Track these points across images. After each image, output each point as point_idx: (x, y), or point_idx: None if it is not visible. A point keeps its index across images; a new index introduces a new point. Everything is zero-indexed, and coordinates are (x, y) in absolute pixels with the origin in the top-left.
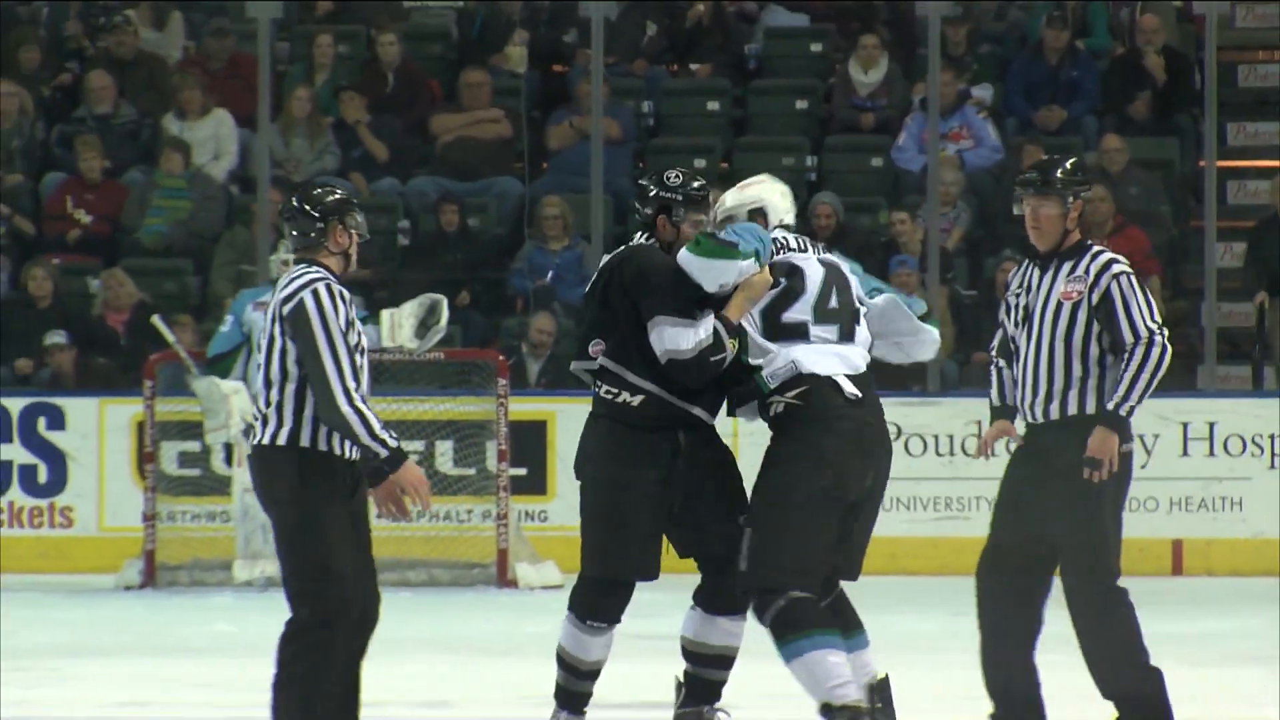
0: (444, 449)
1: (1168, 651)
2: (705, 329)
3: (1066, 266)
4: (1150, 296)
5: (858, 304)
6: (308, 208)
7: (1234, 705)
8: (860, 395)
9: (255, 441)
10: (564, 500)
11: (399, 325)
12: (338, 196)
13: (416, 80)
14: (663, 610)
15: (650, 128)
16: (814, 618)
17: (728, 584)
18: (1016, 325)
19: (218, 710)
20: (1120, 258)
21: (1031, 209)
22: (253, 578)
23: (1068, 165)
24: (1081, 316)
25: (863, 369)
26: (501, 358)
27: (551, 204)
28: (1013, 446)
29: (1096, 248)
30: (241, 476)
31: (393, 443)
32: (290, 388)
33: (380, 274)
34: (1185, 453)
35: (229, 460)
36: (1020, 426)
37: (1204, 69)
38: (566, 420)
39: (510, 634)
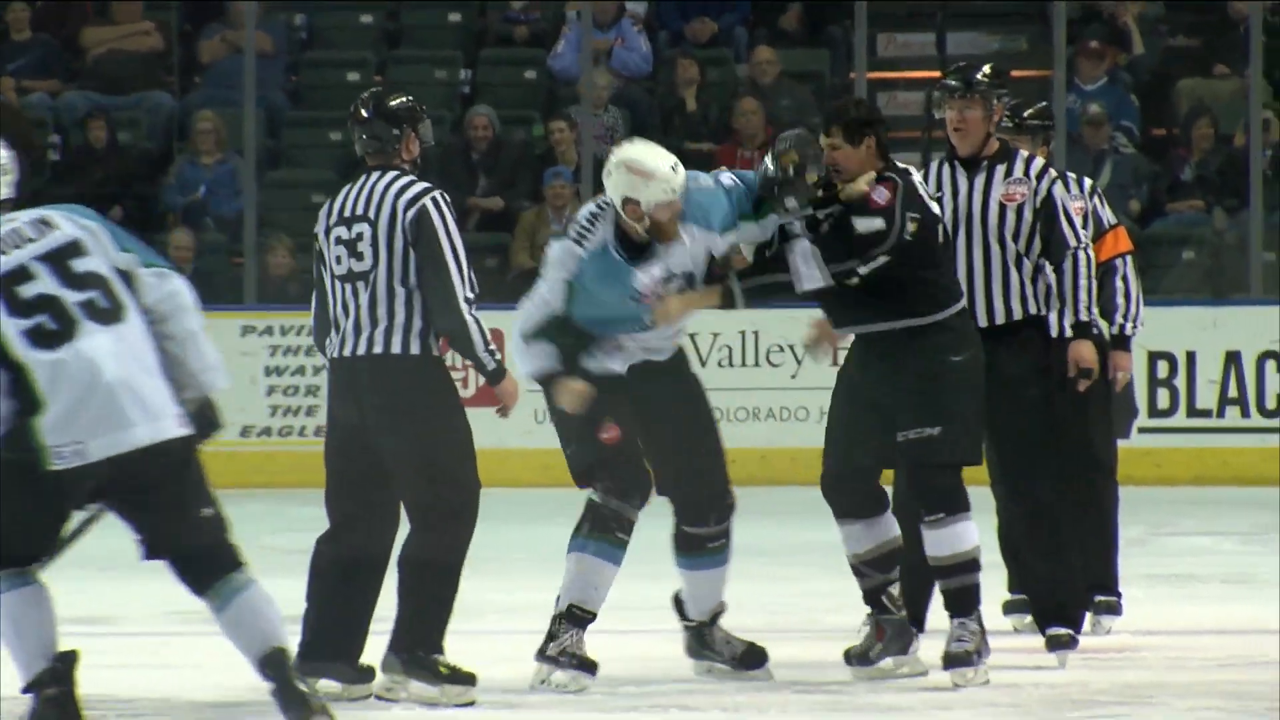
0: None
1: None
2: None
3: (1000, 170)
4: None
5: None
6: (384, 115)
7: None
8: None
9: (370, 350)
10: None
11: None
12: (411, 104)
13: None
14: None
15: (303, 41)
16: None
17: None
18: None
19: None
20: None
21: (957, 112)
22: None
23: (987, 69)
24: (1028, 217)
25: None
26: None
27: (204, 118)
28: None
29: (1024, 151)
30: None
31: (499, 355)
32: (414, 296)
33: (30, 189)
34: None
35: None
36: None
37: None
38: (218, 336)
39: None
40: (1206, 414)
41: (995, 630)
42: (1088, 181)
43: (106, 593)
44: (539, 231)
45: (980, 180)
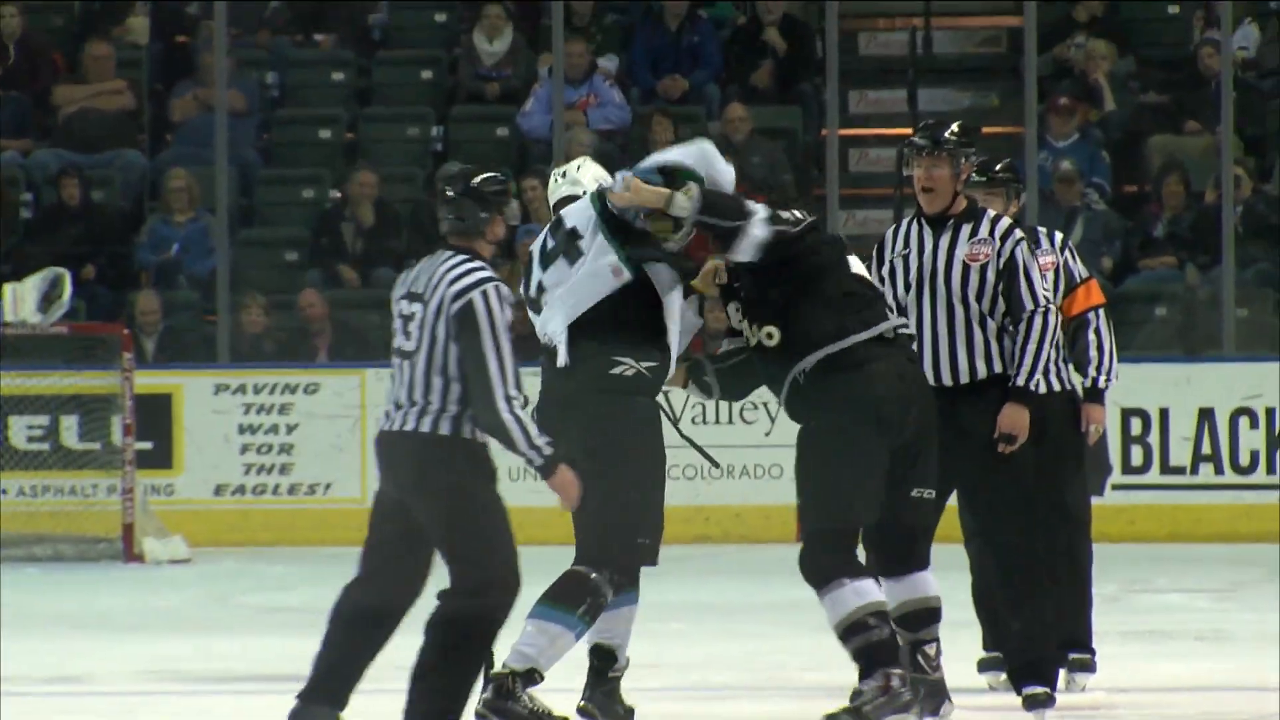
0: (69, 423)
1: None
2: None
3: (966, 229)
4: None
5: None
6: (473, 196)
7: None
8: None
9: (403, 427)
10: (191, 474)
11: (21, 299)
12: (502, 186)
13: (39, 52)
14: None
15: (275, 99)
16: None
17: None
18: (907, 287)
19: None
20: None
21: (924, 170)
22: None
23: (955, 127)
24: (991, 278)
25: None
26: (126, 332)
27: (176, 176)
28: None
29: (991, 211)
30: None
31: (547, 450)
32: (450, 385)
33: (2, 248)
34: None
35: None
36: None
37: (825, 37)
38: (192, 394)
39: (138, 608)
40: (1180, 471)
41: (970, 688)
42: (1059, 235)
43: (81, 651)
44: (512, 288)
45: (945, 239)
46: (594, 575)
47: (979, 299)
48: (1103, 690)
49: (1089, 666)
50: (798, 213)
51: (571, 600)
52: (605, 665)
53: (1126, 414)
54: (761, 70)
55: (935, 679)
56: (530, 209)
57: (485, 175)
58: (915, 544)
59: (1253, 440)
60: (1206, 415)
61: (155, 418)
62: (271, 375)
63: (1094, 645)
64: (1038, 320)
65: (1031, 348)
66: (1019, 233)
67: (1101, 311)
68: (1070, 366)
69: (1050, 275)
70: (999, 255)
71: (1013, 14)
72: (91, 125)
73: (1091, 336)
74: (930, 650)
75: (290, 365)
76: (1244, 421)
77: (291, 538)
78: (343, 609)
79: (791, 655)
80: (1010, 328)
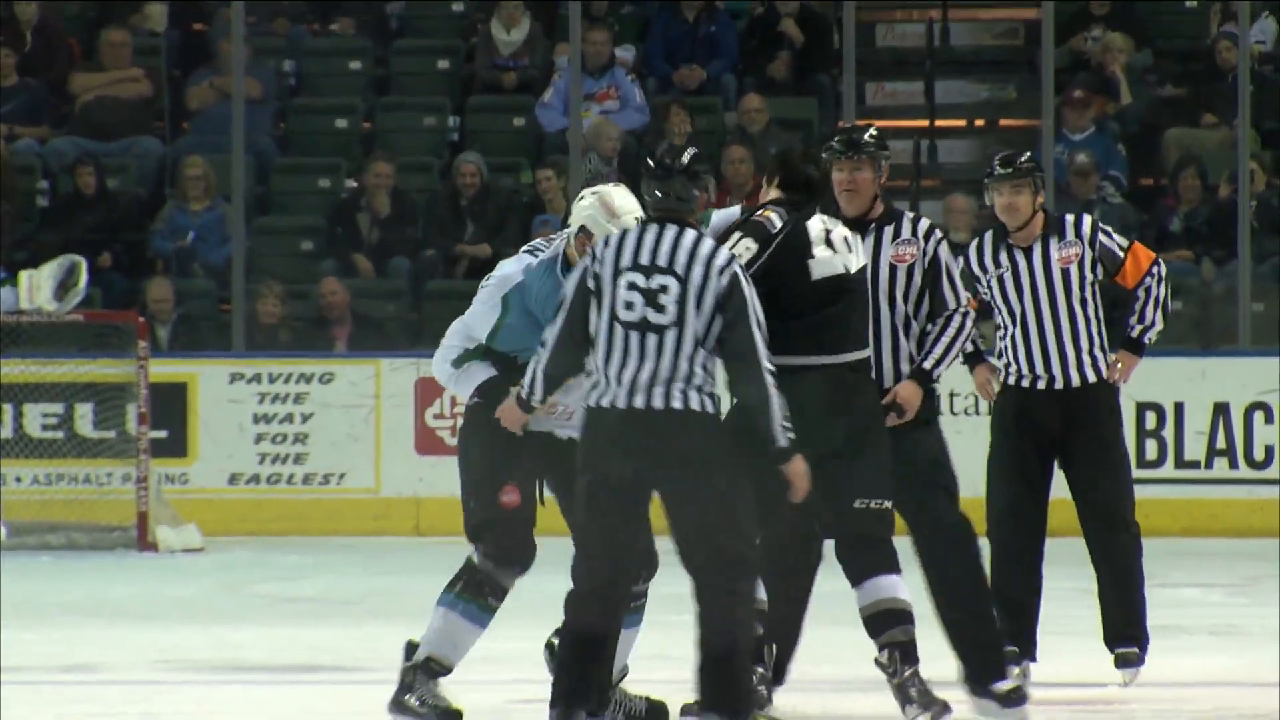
0: (84, 411)
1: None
2: None
3: (888, 230)
4: None
5: None
6: (688, 174)
7: None
8: None
9: (673, 405)
10: (205, 463)
11: (38, 287)
12: (706, 165)
13: (55, 39)
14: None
15: (292, 87)
16: None
17: None
18: None
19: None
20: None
21: (847, 173)
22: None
23: (873, 131)
24: (917, 279)
25: None
26: (141, 320)
27: (193, 164)
28: None
29: (909, 213)
30: None
31: (791, 435)
32: (710, 358)
33: (18, 235)
34: None
35: None
36: None
37: (842, 29)
38: (207, 383)
39: (152, 597)
40: (1195, 465)
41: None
42: (1086, 219)
43: (95, 640)
44: None
45: (869, 242)
46: (473, 556)
47: (905, 299)
48: (1116, 685)
49: (1133, 661)
50: (750, 242)
51: (452, 582)
52: None
53: (1141, 408)
54: (778, 61)
55: (896, 684)
56: (545, 199)
57: (694, 152)
58: (867, 552)
59: (1268, 435)
60: (1221, 410)
61: (170, 406)
62: (287, 364)
63: (1142, 637)
64: (956, 319)
65: (946, 340)
66: (939, 232)
67: (1157, 269)
68: (1107, 354)
69: (1074, 267)
70: (924, 255)
71: (1030, 6)
72: (108, 113)
73: (1151, 303)
74: (884, 657)
75: (305, 354)
76: (1259, 416)
77: (305, 527)
78: (584, 603)
79: (806, 649)
80: (931, 326)
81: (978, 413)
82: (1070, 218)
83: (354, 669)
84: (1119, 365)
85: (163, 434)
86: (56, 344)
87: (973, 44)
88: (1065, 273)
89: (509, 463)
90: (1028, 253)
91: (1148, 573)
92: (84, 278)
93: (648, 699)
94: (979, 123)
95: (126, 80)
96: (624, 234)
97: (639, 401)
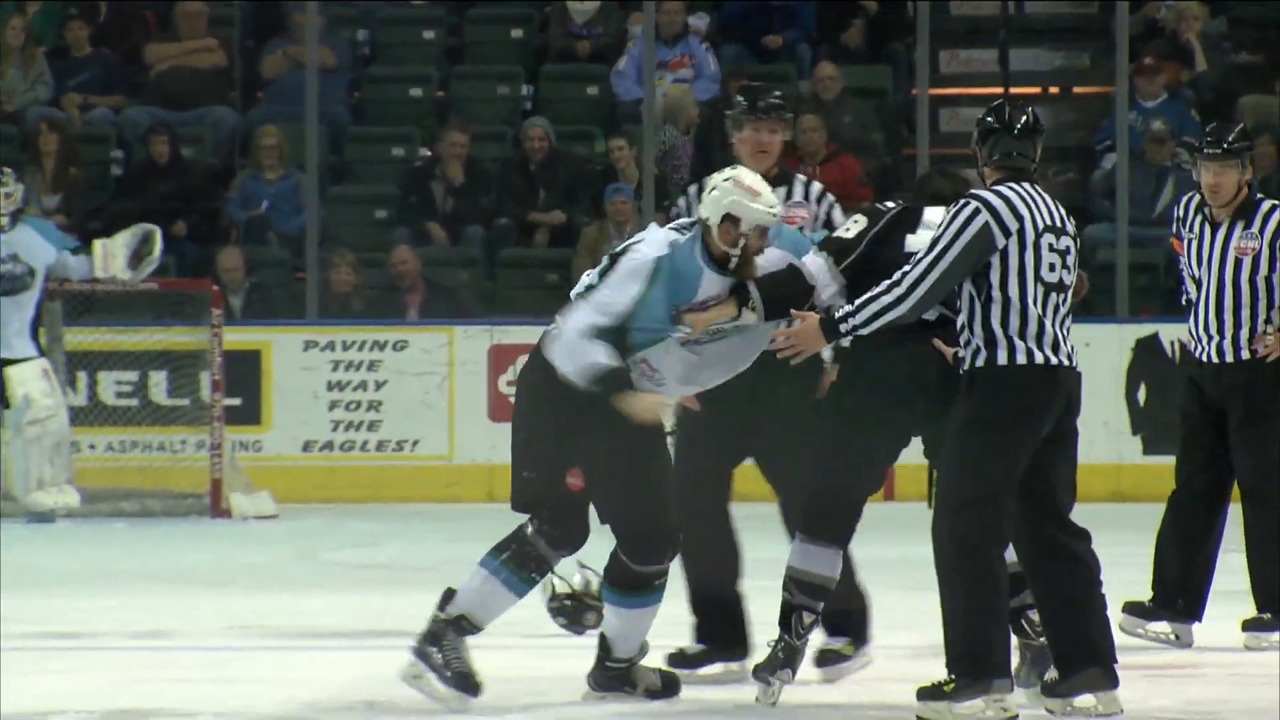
0: (158, 379)
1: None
2: None
3: (780, 193)
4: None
5: None
6: (1035, 134)
7: None
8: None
9: (1075, 364)
10: (279, 430)
11: (112, 255)
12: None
13: (130, 10)
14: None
15: (366, 56)
16: None
17: None
18: None
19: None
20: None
21: (765, 134)
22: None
23: (778, 93)
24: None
25: None
26: (215, 288)
27: (267, 133)
28: None
29: (801, 175)
30: None
31: None
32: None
33: (93, 204)
34: None
35: None
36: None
37: None
38: (281, 351)
39: (225, 564)
40: None
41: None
42: (1276, 216)
43: (168, 606)
44: (601, 247)
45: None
46: (526, 527)
47: None
48: (1190, 649)
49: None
50: (851, 227)
51: (499, 547)
52: (604, 654)
53: None
54: (853, 30)
55: (1039, 644)
56: (618, 168)
57: (1032, 116)
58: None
59: None
60: None
61: (244, 374)
62: (360, 332)
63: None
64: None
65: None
66: (831, 196)
67: None
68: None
69: (1248, 259)
70: (816, 219)
71: None
72: (183, 83)
73: None
74: (1034, 615)
75: (379, 322)
76: None
77: (379, 494)
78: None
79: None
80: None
81: None
82: (1264, 206)
83: None
84: (1269, 338)
85: (236, 401)
86: (131, 312)
87: (1047, 12)
88: (1239, 261)
89: (576, 442)
90: (1215, 229)
91: (1225, 538)
92: (158, 246)
93: (660, 670)
94: (1053, 90)
95: (201, 50)
96: (1017, 194)
97: (1059, 360)
